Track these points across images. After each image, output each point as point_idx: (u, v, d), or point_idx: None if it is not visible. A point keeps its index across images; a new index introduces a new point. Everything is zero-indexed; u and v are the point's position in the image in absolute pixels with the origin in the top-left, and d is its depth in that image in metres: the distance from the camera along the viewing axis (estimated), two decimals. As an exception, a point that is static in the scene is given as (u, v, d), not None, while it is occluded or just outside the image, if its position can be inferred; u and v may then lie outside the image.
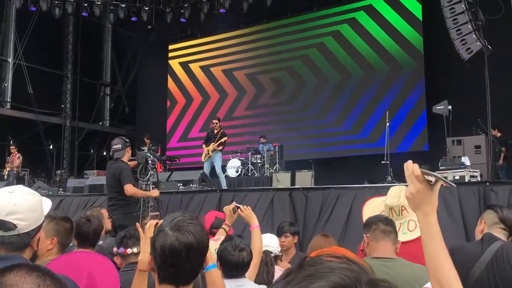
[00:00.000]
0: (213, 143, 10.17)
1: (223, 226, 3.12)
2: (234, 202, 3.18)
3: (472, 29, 8.50)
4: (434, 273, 1.30)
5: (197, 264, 1.53)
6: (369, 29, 13.74)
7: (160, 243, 1.48)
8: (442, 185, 1.32)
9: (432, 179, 1.29)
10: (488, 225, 2.66)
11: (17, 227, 1.55)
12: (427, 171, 1.29)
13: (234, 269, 2.45)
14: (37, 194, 1.70)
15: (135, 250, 2.72)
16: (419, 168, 1.31)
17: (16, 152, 12.79)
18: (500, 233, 2.62)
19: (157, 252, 1.48)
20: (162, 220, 1.63)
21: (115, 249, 2.83)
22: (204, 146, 10.39)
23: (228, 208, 3.10)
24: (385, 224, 2.49)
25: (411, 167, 1.32)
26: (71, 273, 1.94)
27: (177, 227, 1.49)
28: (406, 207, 2.87)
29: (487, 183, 5.84)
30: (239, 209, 3.01)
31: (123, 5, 15.30)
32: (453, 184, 1.35)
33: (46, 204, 1.77)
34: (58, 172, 14.98)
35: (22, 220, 1.56)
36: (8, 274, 0.89)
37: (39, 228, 1.65)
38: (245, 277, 2.49)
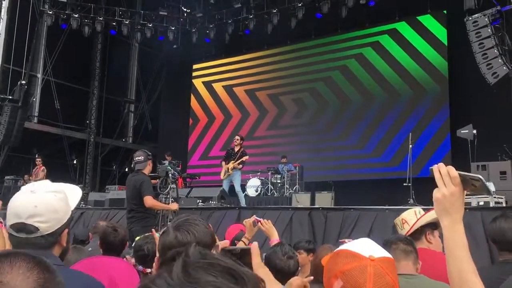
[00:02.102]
0: (233, 161, 10.13)
1: (243, 239, 3.10)
2: (254, 216, 3.16)
3: (498, 53, 8.44)
4: (457, 283, 1.22)
5: None
6: (393, 53, 13.72)
7: (161, 241, 1.50)
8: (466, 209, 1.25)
9: (476, 184, 1.22)
10: None
11: (39, 230, 1.53)
12: (467, 173, 1.23)
13: (279, 274, 2.40)
14: (61, 190, 1.64)
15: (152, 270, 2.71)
16: (456, 170, 1.25)
17: (41, 165, 13.05)
18: None
19: (159, 251, 1.50)
20: None
21: (132, 260, 2.83)
22: (223, 163, 10.36)
23: (248, 221, 3.08)
24: (405, 243, 2.44)
25: (445, 168, 1.25)
26: (93, 275, 1.94)
27: (178, 226, 1.50)
28: (406, 220, 2.87)
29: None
30: (259, 223, 2.99)
31: (150, 25, 15.68)
32: (492, 193, 1.27)
33: (74, 197, 1.73)
34: (79, 186, 15.17)
35: (43, 223, 1.54)
36: None
37: (65, 225, 1.62)
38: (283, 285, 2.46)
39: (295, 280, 2.37)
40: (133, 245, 2.95)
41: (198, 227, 1.48)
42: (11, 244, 1.58)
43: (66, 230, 1.63)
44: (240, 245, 3.04)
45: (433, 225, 2.79)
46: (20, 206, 1.54)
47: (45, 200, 1.56)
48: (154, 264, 1.63)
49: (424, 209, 3.21)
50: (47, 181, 1.69)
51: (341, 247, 1.41)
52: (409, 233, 2.78)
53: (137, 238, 2.94)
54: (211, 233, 1.53)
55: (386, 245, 2.52)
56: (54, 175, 14.29)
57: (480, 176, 1.22)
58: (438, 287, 2.28)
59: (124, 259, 2.89)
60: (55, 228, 1.57)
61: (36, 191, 1.57)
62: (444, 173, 1.25)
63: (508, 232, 2.57)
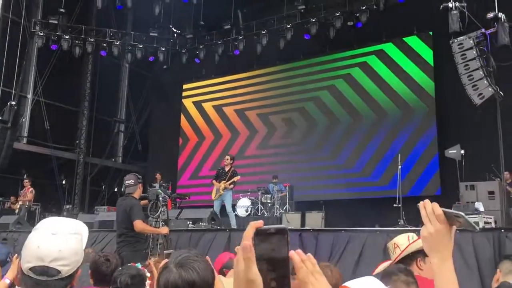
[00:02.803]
0: (224, 181, 10.11)
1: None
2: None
3: (483, 75, 8.59)
4: None
5: None
6: (380, 73, 13.93)
7: (163, 280, 1.46)
8: (456, 229, 1.25)
9: (453, 218, 1.22)
10: (503, 273, 2.63)
11: (60, 273, 1.53)
12: (451, 211, 1.23)
13: None
14: (79, 231, 1.65)
15: None
16: (439, 207, 1.25)
17: (29, 186, 12.93)
18: None
19: None
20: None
21: None
22: (214, 182, 10.31)
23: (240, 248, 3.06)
24: (406, 275, 2.42)
25: (430, 206, 1.26)
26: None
27: (181, 264, 1.47)
28: (398, 244, 2.88)
29: (502, 230, 5.74)
30: None
31: (141, 46, 15.77)
32: (477, 227, 1.26)
33: (85, 235, 1.72)
34: (67, 207, 15.03)
35: (66, 266, 1.54)
36: None
37: (81, 265, 1.63)
38: None
39: None
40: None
41: (200, 264, 1.47)
42: (23, 286, 1.56)
43: (80, 271, 1.64)
44: (232, 273, 3.03)
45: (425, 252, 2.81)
46: (43, 249, 1.52)
47: (68, 243, 1.56)
48: None
49: (416, 232, 3.22)
50: (61, 219, 1.68)
51: (344, 284, 1.41)
52: (399, 258, 2.79)
53: (118, 269, 2.91)
54: (212, 270, 1.53)
55: (385, 276, 2.50)
56: (43, 196, 14.21)
57: (462, 213, 1.23)
58: None
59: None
60: (74, 270, 1.58)
61: (58, 233, 1.56)
62: (429, 211, 1.26)
63: None
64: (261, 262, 0.90)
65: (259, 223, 0.92)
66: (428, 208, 1.27)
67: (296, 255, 0.91)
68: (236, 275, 0.92)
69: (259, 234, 0.91)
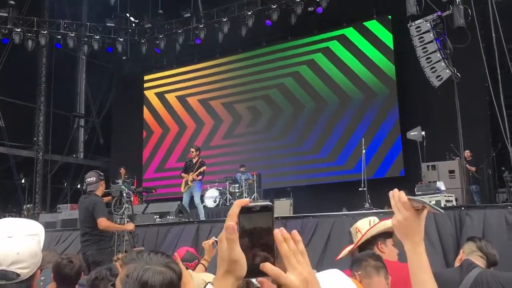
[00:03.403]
0: (191, 173, 10.01)
1: (202, 261, 3.03)
2: (213, 237, 3.11)
3: (441, 57, 8.77)
4: None
5: None
6: (342, 58, 14.04)
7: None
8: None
9: (419, 205, 1.26)
10: (466, 253, 2.70)
11: (20, 276, 1.51)
12: (414, 198, 1.27)
13: None
14: (36, 232, 1.60)
15: None
16: (405, 195, 1.28)
17: (-14, 187, 12.41)
18: (478, 260, 2.66)
19: None
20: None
21: None
22: (183, 174, 10.21)
23: (207, 243, 3.02)
24: (375, 259, 2.44)
25: (397, 195, 1.29)
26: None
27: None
28: (359, 229, 2.91)
29: (462, 207, 5.91)
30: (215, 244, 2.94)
31: (97, 37, 15.27)
32: (441, 210, 1.32)
33: (42, 236, 1.68)
34: (27, 206, 14.55)
35: (25, 269, 1.52)
36: None
37: (39, 267, 1.61)
38: None
39: None
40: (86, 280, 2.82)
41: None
42: None
43: (39, 272, 1.62)
44: (199, 268, 2.97)
45: (386, 234, 2.83)
46: (0, 253, 1.49)
47: (26, 246, 1.53)
48: None
49: (380, 214, 3.24)
50: (15, 221, 1.64)
51: None
52: (360, 242, 2.80)
53: (93, 271, 2.80)
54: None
55: (355, 262, 2.51)
56: (2, 196, 13.68)
57: (424, 201, 1.27)
58: None
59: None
60: (33, 272, 1.56)
61: (14, 236, 1.53)
62: (396, 200, 1.28)
63: None
64: (247, 239, 0.90)
65: (245, 201, 0.91)
66: (396, 197, 1.29)
67: (279, 234, 0.88)
68: (220, 254, 0.91)
69: (245, 212, 0.90)
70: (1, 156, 15.71)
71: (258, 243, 0.90)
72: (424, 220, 1.28)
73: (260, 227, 0.90)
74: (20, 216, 13.20)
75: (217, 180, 12.50)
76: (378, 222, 2.88)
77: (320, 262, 5.76)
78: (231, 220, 0.90)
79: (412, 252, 1.28)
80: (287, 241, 0.89)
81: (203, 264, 3.00)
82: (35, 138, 17.14)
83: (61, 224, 9.82)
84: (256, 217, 0.90)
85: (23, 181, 16.10)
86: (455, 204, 7.28)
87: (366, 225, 2.94)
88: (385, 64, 13.34)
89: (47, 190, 16.88)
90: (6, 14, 14.37)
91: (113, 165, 16.64)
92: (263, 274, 0.88)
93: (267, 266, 0.88)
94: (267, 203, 0.92)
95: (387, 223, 2.86)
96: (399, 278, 2.43)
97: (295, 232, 0.91)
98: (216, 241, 2.89)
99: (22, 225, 1.61)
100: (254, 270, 0.89)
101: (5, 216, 11.87)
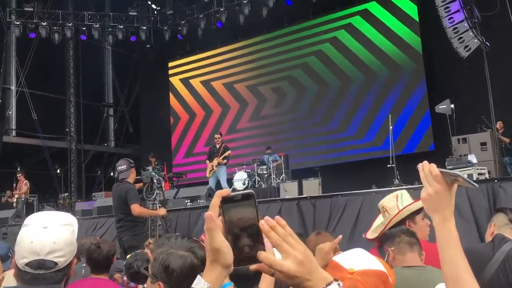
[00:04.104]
0: (216, 158, 10.25)
1: None
2: None
3: (468, 26, 8.51)
4: (451, 281, 1.22)
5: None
6: (366, 33, 13.78)
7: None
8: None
9: (452, 178, 1.20)
10: (498, 227, 2.63)
11: (57, 264, 1.56)
12: (447, 171, 1.21)
13: (248, 282, 2.36)
14: (69, 221, 1.67)
15: (145, 285, 2.71)
16: (437, 168, 1.22)
17: (23, 179, 12.89)
18: (511, 234, 2.59)
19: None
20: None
21: (125, 278, 2.83)
22: (207, 162, 10.47)
23: None
24: (408, 235, 2.41)
25: (427, 167, 1.23)
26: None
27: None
28: (386, 208, 2.87)
29: (495, 180, 5.79)
30: None
31: (121, 26, 15.45)
32: (475, 185, 1.24)
33: (76, 226, 1.75)
34: (63, 195, 15.04)
35: (61, 257, 1.57)
36: None
37: (75, 255, 1.67)
38: None
39: (326, 245, 2.33)
40: (124, 264, 2.94)
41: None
42: (21, 282, 1.58)
43: (75, 260, 1.68)
44: None
45: (416, 211, 2.82)
46: (37, 243, 1.54)
47: (61, 235, 1.59)
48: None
49: (410, 191, 3.20)
50: (49, 213, 1.70)
51: (333, 258, 1.41)
52: (389, 226, 2.79)
53: (128, 256, 2.92)
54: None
55: (388, 238, 2.49)
56: (39, 187, 14.17)
57: (459, 173, 1.21)
58: None
59: (114, 278, 2.88)
60: (70, 261, 1.61)
61: (49, 226, 1.58)
62: (427, 173, 1.23)
63: None
64: (233, 228, 0.92)
65: (225, 191, 0.93)
66: (426, 170, 1.24)
67: (264, 224, 0.90)
68: (205, 245, 0.94)
69: (227, 202, 0.92)
70: (36, 148, 16.22)
71: (245, 232, 0.92)
72: (454, 194, 1.23)
73: (244, 215, 0.92)
74: (56, 206, 13.72)
75: (245, 163, 12.60)
76: (409, 204, 2.84)
77: (350, 241, 5.77)
78: (212, 210, 0.92)
79: (441, 227, 1.23)
80: (274, 228, 0.90)
81: None
82: (67, 129, 17.60)
83: (97, 211, 10.12)
84: (239, 206, 0.92)
85: (58, 171, 16.60)
86: (487, 177, 7.13)
87: (393, 204, 2.91)
88: (411, 37, 13.02)
89: (82, 179, 17.38)
90: (31, 9, 14.69)
91: (143, 152, 16.96)
92: (253, 262, 0.90)
93: (262, 255, 0.89)
94: (248, 191, 0.94)
95: (417, 205, 2.83)
96: (427, 258, 2.43)
97: (278, 218, 0.92)
98: None
99: (55, 216, 1.66)
100: (243, 258, 0.91)
101: (43, 206, 12.32)
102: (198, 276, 0.97)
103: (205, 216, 0.92)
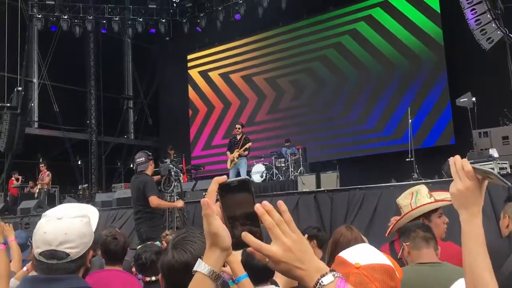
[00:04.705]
0: (237, 149, 10.23)
1: None
2: None
3: (491, 18, 8.34)
4: (472, 279, 1.21)
5: None
6: (386, 25, 13.59)
7: (161, 261, 1.50)
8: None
9: (484, 175, 1.19)
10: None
11: (69, 255, 1.59)
12: (480, 167, 1.19)
13: (262, 274, 2.38)
14: (85, 214, 1.70)
15: (153, 278, 2.74)
16: (469, 164, 1.21)
17: (46, 170, 13.14)
18: None
19: (161, 270, 1.50)
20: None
21: (133, 269, 2.87)
22: (228, 153, 10.45)
23: None
24: (424, 230, 2.40)
25: (459, 162, 1.22)
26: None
27: (176, 245, 1.48)
28: (401, 205, 2.84)
29: (517, 175, 5.68)
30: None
31: (141, 19, 15.56)
32: (508, 183, 1.21)
33: (94, 218, 1.80)
34: (82, 186, 15.29)
35: (73, 248, 1.60)
36: None
37: (91, 247, 1.70)
38: (270, 282, 2.46)
39: None
40: (133, 255, 2.99)
41: (195, 245, 1.47)
42: (37, 270, 1.63)
43: (91, 252, 1.72)
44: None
45: (432, 210, 2.79)
46: (50, 234, 1.58)
47: (74, 226, 1.62)
48: (160, 281, 1.64)
49: (429, 185, 3.16)
50: (68, 205, 1.76)
51: (339, 254, 1.41)
52: (398, 225, 2.76)
53: (138, 247, 2.96)
54: None
55: (404, 233, 2.47)
56: (60, 178, 14.44)
57: (493, 171, 1.20)
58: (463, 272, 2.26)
59: (131, 271, 2.92)
60: (83, 252, 1.64)
61: (63, 218, 1.62)
62: (459, 168, 1.22)
63: None
64: (230, 214, 0.95)
65: (222, 178, 0.96)
66: (458, 165, 1.23)
67: (259, 207, 0.91)
68: (204, 230, 0.98)
69: (223, 188, 0.95)
70: (57, 140, 16.51)
71: (242, 217, 0.95)
72: (484, 191, 1.21)
73: (241, 201, 0.95)
74: (78, 197, 13.96)
75: (263, 155, 12.61)
76: (422, 205, 2.80)
77: (366, 236, 5.71)
78: (208, 197, 0.96)
79: (468, 223, 1.22)
80: (270, 212, 0.91)
81: None
82: (88, 121, 17.86)
83: (116, 202, 10.27)
84: (236, 192, 0.95)
85: (79, 163, 16.87)
86: (509, 172, 7.00)
87: (407, 201, 2.88)
88: (432, 28, 12.79)
89: (102, 170, 17.64)
90: (53, 2, 14.89)
91: (162, 144, 17.12)
92: (249, 246, 0.92)
93: (247, 237, 0.91)
94: (244, 177, 0.98)
95: (430, 207, 2.79)
96: (440, 257, 2.40)
97: (280, 202, 0.93)
98: None
99: (71, 208, 1.71)
100: (241, 243, 0.93)
101: (64, 197, 12.52)
102: (199, 259, 1.01)
103: (201, 202, 0.96)
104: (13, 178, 13.72)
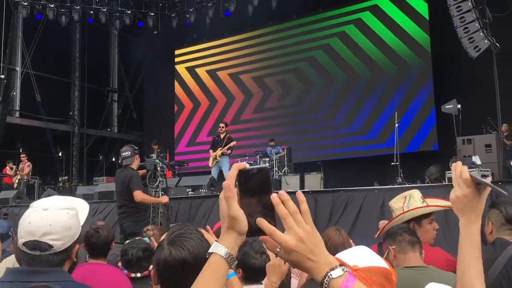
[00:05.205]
0: (220, 148, 10.23)
1: None
2: None
3: (479, 27, 8.44)
4: (462, 284, 1.24)
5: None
6: (375, 29, 13.68)
7: (156, 257, 1.46)
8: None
9: (481, 185, 1.21)
10: (496, 226, 2.59)
11: (53, 247, 1.56)
12: (478, 178, 1.22)
13: (258, 273, 2.39)
14: (73, 207, 1.65)
15: (138, 275, 2.69)
16: (468, 172, 1.23)
17: (26, 161, 12.91)
18: (510, 235, 2.54)
19: (155, 266, 1.46)
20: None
21: (119, 264, 2.82)
22: (211, 151, 10.46)
23: None
24: (410, 234, 2.41)
25: (459, 169, 1.25)
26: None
27: (173, 241, 1.45)
28: (393, 208, 2.85)
29: (499, 183, 5.78)
30: None
31: (129, 11, 15.36)
32: (504, 192, 1.23)
33: (83, 212, 1.75)
34: (63, 178, 15.05)
35: (57, 240, 1.56)
36: None
37: (77, 240, 1.66)
38: (261, 283, 2.46)
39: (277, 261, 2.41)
40: (120, 250, 2.93)
41: (193, 242, 1.44)
42: (21, 261, 1.59)
43: (77, 246, 1.66)
44: None
45: (424, 215, 2.79)
46: (34, 224, 1.55)
47: (59, 218, 1.58)
48: (151, 278, 1.61)
49: (420, 190, 3.16)
50: (57, 197, 1.70)
51: (336, 255, 1.39)
52: (387, 227, 2.76)
53: (126, 242, 2.91)
54: (207, 247, 1.51)
55: (389, 236, 2.48)
56: (41, 170, 14.19)
57: (488, 182, 1.22)
58: (448, 277, 2.27)
59: (118, 266, 2.86)
60: (68, 245, 1.60)
61: (49, 209, 1.58)
62: (458, 175, 1.25)
63: None
64: (247, 200, 0.97)
65: (242, 164, 0.98)
66: (458, 172, 1.25)
67: (275, 197, 0.93)
68: (221, 213, 0.99)
69: (242, 175, 0.97)
70: (39, 130, 16.21)
71: (258, 204, 0.96)
72: (485, 199, 1.24)
73: (259, 189, 0.96)
74: (58, 189, 13.74)
75: (248, 154, 12.58)
76: (414, 208, 2.81)
77: (350, 238, 5.76)
78: (229, 181, 0.97)
79: (465, 229, 1.25)
80: (286, 202, 0.92)
81: None
82: (70, 113, 17.59)
83: (98, 196, 10.14)
84: (255, 179, 0.97)
85: (60, 154, 16.61)
86: (491, 179, 7.11)
87: (399, 204, 2.89)
88: (420, 35, 12.93)
89: (84, 163, 17.40)
90: (39, -10, 14.61)
91: (146, 139, 16.97)
92: (263, 234, 0.93)
93: (262, 222, 0.92)
94: (263, 166, 0.99)
95: (422, 211, 2.80)
96: (425, 262, 2.40)
97: (299, 192, 0.94)
98: None
99: (60, 200, 1.66)
100: (255, 230, 0.95)
101: (44, 189, 12.32)
102: (215, 242, 1.00)
103: (223, 185, 0.96)
104: (7, 167, 13.35)
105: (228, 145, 10.22)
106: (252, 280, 2.36)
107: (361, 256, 1.35)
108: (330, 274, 0.90)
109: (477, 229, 1.24)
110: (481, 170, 7.28)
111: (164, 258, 1.43)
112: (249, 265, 2.36)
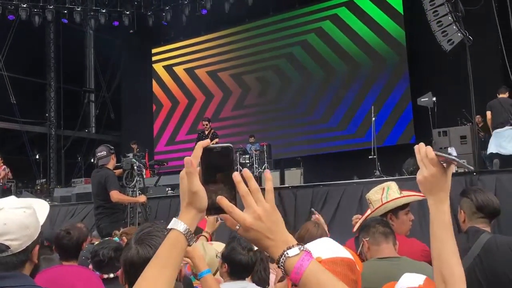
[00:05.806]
0: (206, 144, 10.16)
1: (204, 233, 3.07)
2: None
3: (452, 20, 8.55)
4: (439, 264, 1.24)
5: None
6: (351, 25, 13.78)
7: (123, 257, 1.44)
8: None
9: (447, 161, 1.20)
10: (468, 215, 2.61)
11: (9, 248, 1.48)
12: (442, 154, 1.21)
13: (243, 270, 2.40)
14: (29, 205, 1.58)
15: (111, 275, 2.65)
16: (433, 151, 1.22)
17: (1, 164, 12.61)
18: (482, 223, 2.56)
19: (122, 265, 1.45)
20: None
21: (90, 266, 2.77)
22: None
23: (211, 217, 3.04)
24: (383, 226, 2.43)
25: (423, 150, 1.23)
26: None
27: (141, 240, 1.43)
28: (371, 200, 2.88)
29: (474, 173, 5.86)
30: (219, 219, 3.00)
31: (104, 10, 15.15)
32: (470, 167, 1.25)
33: (42, 211, 1.68)
34: (40, 181, 14.79)
35: (14, 240, 1.49)
36: None
37: (36, 241, 1.58)
38: (245, 279, 2.46)
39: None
40: (90, 252, 2.88)
41: (161, 240, 1.42)
42: None
43: (37, 247, 1.59)
44: (201, 239, 3.00)
45: (400, 207, 2.81)
46: None
47: (15, 217, 1.50)
48: (119, 277, 1.58)
49: (396, 182, 3.18)
50: (13, 197, 1.64)
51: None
52: (367, 218, 2.78)
53: (95, 243, 2.86)
54: None
55: (363, 228, 2.50)
56: (17, 173, 13.90)
57: (453, 157, 1.22)
58: (421, 267, 2.29)
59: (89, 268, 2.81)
60: (26, 245, 1.52)
61: (4, 208, 1.51)
62: (423, 155, 1.23)
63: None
64: (209, 178, 0.97)
65: (206, 142, 0.98)
66: (422, 152, 1.24)
67: (237, 174, 0.93)
68: (181, 189, 0.98)
69: (206, 153, 0.97)
70: (15, 133, 15.90)
71: (219, 182, 0.96)
72: (450, 177, 1.23)
73: (221, 167, 0.97)
74: (35, 192, 13.48)
75: (228, 152, 12.53)
76: (389, 201, 2.83)
77: (329, 231, 5.80)
78: (193, 157, 0.96)
79: (435, 209, 1.24)
80: (248, 180, 0.92)
81: (204, 236, 3.04)
82: (47, 114, 17.29)
83: (76, 198, 10.00)
84: (218, 158, 0.97)
85: (37, 157, 16.32)
86: (466, 170, 7.22)
87: (378, 196, 2.91)
88: (395, 29, 13.07)
89: (61, 165, 17.12)
90: (11, -10, 14.29)
91: (124, 139, 16.77)
92: (222, 212, 0.93)
93: (222, 200, 0.92)
94: (227, 144, 0.99)
95: (400, 201, 2.82)
96: (402, 253, 2.43)
97: (267, 170, 0.96)
98: (221, 218, 2.93)
99: (16, 199, 1.59)
100: (216, 208, 0.95)
101: (20, 192, 12.06)
102: (174, 218, 0.98)
103: (185, 160, 0.95)
104: None
105: (213, 142, 10.17)
106: (237, 275, 2.38)
107: (324, 247, 1.35)
108: (287, 253, 0.90)
109: (447, 208, 1.24)
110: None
111: (131, 258, 1.40)
112: (235, 260, 2.37)
